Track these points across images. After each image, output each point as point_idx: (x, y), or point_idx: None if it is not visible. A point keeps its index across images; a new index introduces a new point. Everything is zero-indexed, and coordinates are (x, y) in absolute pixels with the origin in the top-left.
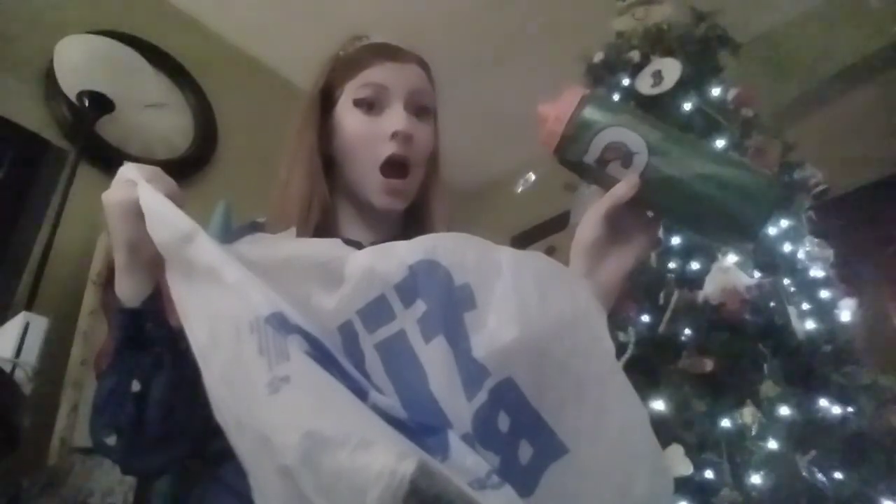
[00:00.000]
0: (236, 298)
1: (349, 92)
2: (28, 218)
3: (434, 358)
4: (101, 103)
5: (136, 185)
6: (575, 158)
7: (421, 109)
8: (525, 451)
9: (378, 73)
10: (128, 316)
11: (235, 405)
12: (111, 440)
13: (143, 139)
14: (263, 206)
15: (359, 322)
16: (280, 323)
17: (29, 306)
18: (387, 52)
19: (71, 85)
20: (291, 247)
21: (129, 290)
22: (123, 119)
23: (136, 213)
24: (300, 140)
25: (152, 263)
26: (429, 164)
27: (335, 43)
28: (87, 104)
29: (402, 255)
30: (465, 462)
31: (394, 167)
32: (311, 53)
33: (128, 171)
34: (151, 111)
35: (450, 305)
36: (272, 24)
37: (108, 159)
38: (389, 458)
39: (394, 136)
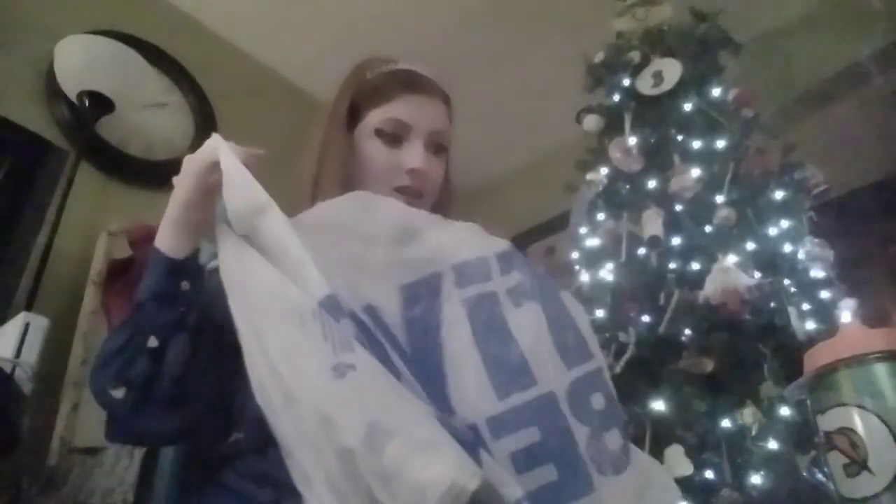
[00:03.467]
0: (299, 277)
1: (372, 119)
2: (28, 218)
3: (525, 322)
4: (101, 103)
5: (217, 149)
6: (814, 405)
7: (438, 147)
8: (614, 440)
9: (403, 109)
10: (168, 266)
11: (293, 381)
12: (118, 393)
13: (143, 139)
14: None
15: (451, 275)
16: (333, 306)
17: (29, 306)
18: (414, 85)
19: (71, 85)
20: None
21: (171, 243)
22: (123, 119)
23: (205, 174)
24: (329, 152)
25: (199, 225)
26: (442, 187)
27: (335, 44)
28: (87, 104)
29: (500, 239)
30: (499, 482)
31: (407, 193)
32: (312, 54)
33: (213, 139)
34: (151, 111)
35: (544, 281)
36: (272, 25)
37: (108, 159)
38: (457, 467)
39: (410, 172)
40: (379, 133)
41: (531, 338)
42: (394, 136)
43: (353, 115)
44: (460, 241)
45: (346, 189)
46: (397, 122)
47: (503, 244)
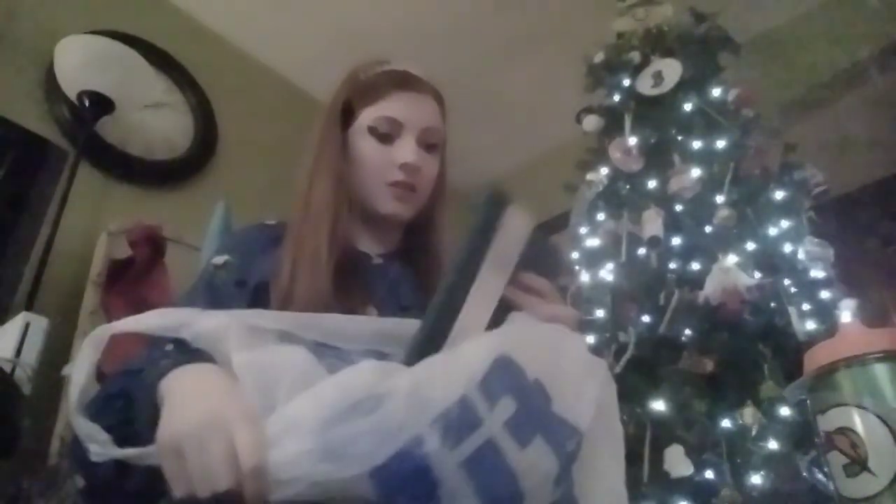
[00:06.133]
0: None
1: (365, 118)
2: (28, 218)
3: (532, 461)
4: (101, 103)
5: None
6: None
7: (431, 144)
8: None
9: (395, 107)
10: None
11: None
12: (80, 482)
13: (143, 139)
14: (263, 206)
15: (435, 437)
16: None
17: (29, 306)
18: (405, 83)
19: (71, 85)
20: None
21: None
22: (123, 119)
23: None
24: (323, 151)
25: None
26: (436, 184)
27: (335, 44)
28: (87, 104)
29: (475, 352)
30: None
31: (400, 187)
32: (311, 54)
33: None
34: (151, 111)
35: (534, 401)
36: (272, 25)
37: (108, 159)
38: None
39: (403, 166)
40: (372, 131)
41: (535, 477)
42: (386, 133)
43: (348, 115)
44: (433, 383)
45: (340, 187)
46: (389, 120)
47: (487, 357)
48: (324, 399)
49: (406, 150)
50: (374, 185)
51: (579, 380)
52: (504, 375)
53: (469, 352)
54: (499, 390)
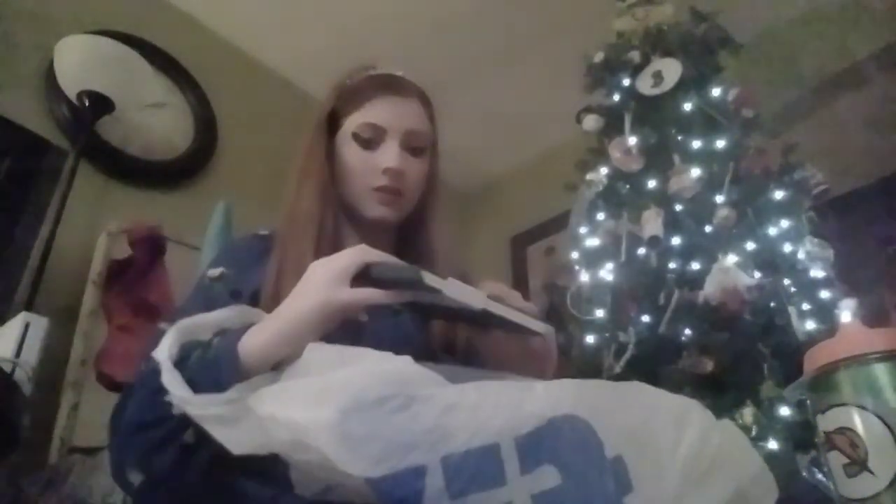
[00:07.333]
0: None
1: (350, 124)
2: (28, 218)
3: None
4: (101, 103)
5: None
6: (813, 405)
7: (416, 147)
8: None
9: (377, 112)
10: (242, 376)
11: None
12: (135, 477)
13: (143, 139)
14: (263, 206)
15: (439, 476)
16: None
17: (29, 306)
18: (390, 86)
19: (71, 85)
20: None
21: (269, 353)
22: (123, 119)
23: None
24: (310, 160)
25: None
26: (426, 186)
27: (335, 44)
28: (87, 104)
29: (539, 400)
30: None
31: (386, 192)
32: (311, 53)
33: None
34: (151, 111)
35: (599, 484)
36: (272, 24)
37: (108, 159)
38: None
39: (386, 171)
40: (355, 137)
41: None
42: (369, 139)
43: (334, 122)
44: (464, 415)
45: (324, 196)
46: (371, 126)
47: (545, 413)
48: (354, 382)
49: (389, 154)
50: (359, 190)
51: (690, 480)
52: (561, 439)
53: (534, 395)
54: (542, 455)
